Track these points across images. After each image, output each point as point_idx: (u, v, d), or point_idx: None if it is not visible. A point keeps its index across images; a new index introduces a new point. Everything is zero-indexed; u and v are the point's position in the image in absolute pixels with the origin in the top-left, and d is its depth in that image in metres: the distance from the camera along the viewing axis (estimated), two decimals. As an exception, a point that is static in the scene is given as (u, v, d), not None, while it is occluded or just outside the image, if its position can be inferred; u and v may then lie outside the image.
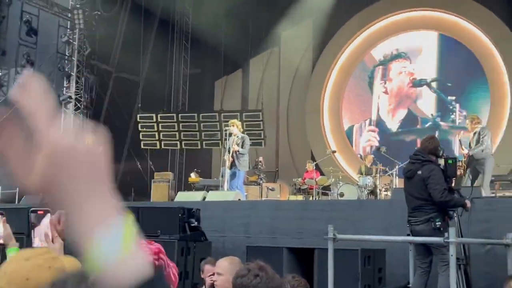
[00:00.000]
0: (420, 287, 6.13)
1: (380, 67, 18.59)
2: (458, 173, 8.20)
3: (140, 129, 17.77)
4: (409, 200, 6.26)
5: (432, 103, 17.67)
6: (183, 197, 11.11)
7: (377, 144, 16.13)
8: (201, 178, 15.02)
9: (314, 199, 12.94)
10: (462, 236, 6.15)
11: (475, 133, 9.58)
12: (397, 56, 18.37)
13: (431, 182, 6.00)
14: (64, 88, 16.86)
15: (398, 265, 6.80)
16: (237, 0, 16.39)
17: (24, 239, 4.31)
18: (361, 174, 13.51)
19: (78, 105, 16.88)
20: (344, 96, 19.02)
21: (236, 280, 2.63)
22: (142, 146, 17.90)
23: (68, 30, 16.89)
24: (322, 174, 14.64)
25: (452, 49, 17.45)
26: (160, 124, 17.78)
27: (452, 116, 17.24)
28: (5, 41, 15.04)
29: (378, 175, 13.02)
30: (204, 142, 17.85)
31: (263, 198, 13.12)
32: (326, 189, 13.84)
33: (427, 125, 17.51)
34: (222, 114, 17.42)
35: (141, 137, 17.79)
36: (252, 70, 19.98)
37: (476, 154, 9.38)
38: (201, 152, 18.52)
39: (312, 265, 6.36)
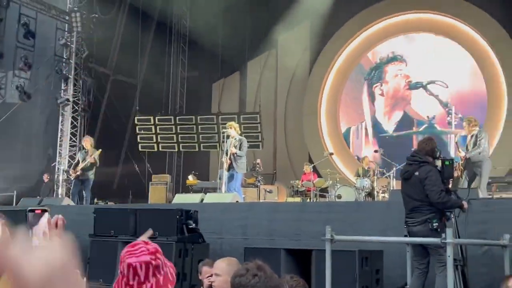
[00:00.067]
0: (417, 288, 6.15)
1: (376, 70, 18.65)
2: (455, 174, 8.23)
3: (137, 131, 17.78)
4: (406, 202, 6.28)
5: (428, 105, 17.71)
6: (180, 199, 11.11)
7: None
8: (198, 181, 15.03)
9: (311, 201, 12.95)
10: (459, 237, 6.17)
11: (472, 136, 9.60)
12: (393, 58, 18.43)
13: (428, 183, 6.02)
14: (62, 91, 16.87)
15: (395, 266, 6.81)
16: (235, 2, 16.43)
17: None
18: (359, 176, 13.53)
19: (76, 107, 16.88)
20: (341, 98, 19.05)
21: (234, 279, 2.64)
22: (140, 149, 17.91)
23: (66, 33, 16.91)
24: (319, 176, 14.65)
25: (448, 51, 17.50)
26: (157, 127, 17.80)
27: (448, 118, 17.28)
28: (2, 43, 15.05)
29: (375, 177, 13.04)
30: (201, 145, 17.87)
31: (261, 200, 13.13)
32: (323, 191, 13.86)
33: (422, 127, 17.56)
34: (220, 117, 17.46)
35: (138, 140, 17.80)
36: (249, 72, 20.00)
37: (473, 157, 9.40)
38: (198, 155, 18.54)
39: (309, 266, 6.37)
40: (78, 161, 12.35)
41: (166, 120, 18.01)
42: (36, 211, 2.16)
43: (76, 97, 16.89)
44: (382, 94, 18.50)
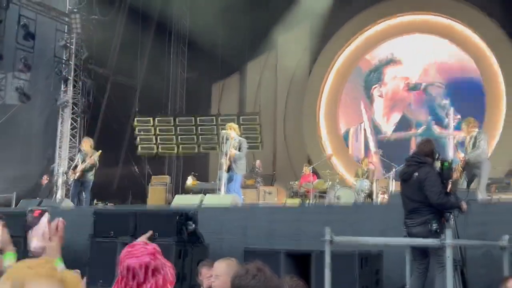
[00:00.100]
0: (417, 289, 6.15)
1: (375, 72, 18.67)
2: (454, 176, 8.23)
3: (137, 133, 17.78)
4: (405, 203, 6.29)
5: (426, 107, 17.73)
6: (180, 200, 11.11)
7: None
8: (198, 182, 15.03)
9: (311, 202, 12.95)
10: (458, 238, 6.17)
11: (471, 137, 9.60)
12: (391, 60, 18.45)
13: (428, 184, 6.03)
14: (62, 92, 16.87)
15: (395, 267, 6.82)
16: (234, 3, 16.43)
17: (22, 242, 4.32)
18: (358, 177, 13.53)
19: (76, 109, 16.88)
20: (341, 99, 19.06)
21: (234, 280, 2.65)
22: (139, 150, 17.91)
23: (66, 34, 16.91)
24: (319, 177, 14.65)
25: (447, 53, 17.52)
26: (157, 128, 17.80)
27: (446, 120, 17.30)
28: (2, 45, 15.05)
29: (375, 178, 13.04)
30: (201, 146, 17.87)
31: (260, 202, 13.13)
32: (323, 192, 13.85)
33: (421, 129, 17.58)
34: (220, 118, 17.46)
35: (138, 142, 17.80)
36: (249, 73, 20.01)
37: (472, 158, 9.40)
38: (198, 156, 18.54)
39: (309, 267, 6.38)
40: (78, 163, 12.35)
41: (165, 121, 18.02)
42: (35, 212, 2.17)
43: (75, 98, 16.89)
44: (381, 96, 18.51)
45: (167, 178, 16.43)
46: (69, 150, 16.58)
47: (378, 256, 6.66)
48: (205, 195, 11.00)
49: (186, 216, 7.24)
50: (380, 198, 12.64)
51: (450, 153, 16.03)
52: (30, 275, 1.50)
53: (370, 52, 18.82)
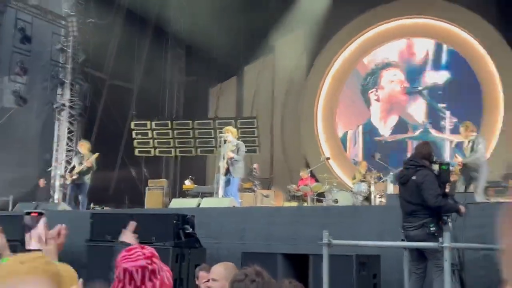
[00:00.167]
0: (415, 293, 6.14)
1: (372, 75, 18.71)
2: (452, 178, 8.23)
3: (134, 136, 17.75)
4: (403, 206, 6.29)
5: (423, 110, 17.76)
6: (177, 204, 11.09)
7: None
8: (195, 185, 15.00)
9: (308, 205, 12.93)
10: (456, 241, 6.16)
11: (469, 141, 9.61)
12: (388, 64, 18.48)
13: (425, 187, 6.03)
14: (58, 96, 16.84)
15: (393, 270, 6.80)
16: (232, 8, 16.44)
17: (18, 246, 4.30)
18: (355, 179, 13.52)
19: (72, 112, 16.85)
20: (338, 102, 19.07)
21: (233, 284, 2.63)
22: (136, 153, 17.87)
23: (62, 37, 16.89)
24: (316, 180, 14.64)
25: (444, 56, 17.56)
26: (154, 132, 17.77)
27: (442, 123, 17.33)
28: (-2, 48, 15.04)
29: (372, 181, 13.03)
30: (198, 149, 17.85)
31: (258, 205, 13.11)
32: (320, 195, 13.84)
33: (417, 132, 17.61)
34: (217, 121, 17.44)
35: (135, 145, 17.77)
36: (246, 77, 20.01)
37: (470, 162, 9.41)
38: (195, 159, 18.52)
39: (307, 271, 6.36)
40: (74, 166, 12.32)
41: (163, 124, 17.99)
42: (32, 214, 2.15)
43: (72, 102, 16.86)
44: (378, 100, 18.54)
45: (164, 182, 16.39)
46: (66, 153, 16.55)
47: (376, 260, 6.64)
48: (202, 198, 10.98)
49: (183, 220, 7.21)
50: (378, 202, 12.63)
51: (447, 156, 16.07)
52: (23, 270, 1.45)
53: (367, 55, 18.84)
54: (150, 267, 2.11)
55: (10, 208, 13.03)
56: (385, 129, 18.27)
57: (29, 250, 2.25)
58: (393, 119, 18.21)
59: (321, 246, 5.70)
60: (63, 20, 16.73)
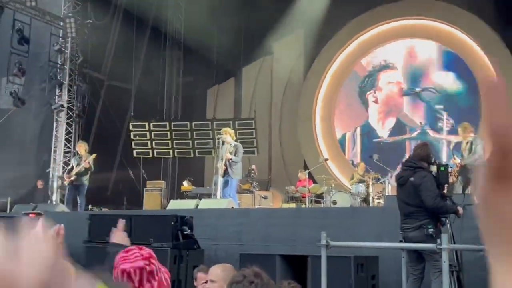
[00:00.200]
0: (413, 294, 6.13)
1: (370, 77, 18.72)
2: (450, 180, 8.24)
3: (132, 137, 17.74)
4: (401, 207, 6.29)
5: (421, 112, 17.79)
6: (175, 205, 11.08)
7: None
8: (193, 187, 15.00)
9: (307, 207, 12.93)
10: (454, 243, 6.17)
11: (467, 142, 9.61)
12: (386, 66, 18.49)
13: (423, 188, 6.03)
14: (56, 97, 16.82)
15: (391, 272, 6.81)
16: (230, 8, 16.44)
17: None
18: (353, 181, 13.52)
19: (70, 113, 16.84)
20: (336, 104, 19.07)
21: (231, 286, 2.63)
22: (134, 155, 17.86)
23: (60, 38, 16.87)
24: (315, 182, 14.64)
25: (441, 57, 17.57)
26: (152, 133, 17.76)
27: (440, 124, 17.35)
28: (-4, 49, 15.02)
29: (371, 182, 13.03)
30: (196, 151, 17.84)
31: (256, 206, 13.11)
32: (319, 197, 13.84)
33: (415, 133, 17.63)
34: (215, 123, 17.43)
35: (133, 146, 17.76)
36: (244, 78, 20.00)
37: (469, 163, 9.41)
38: (193, 161, 18.51)
39: (305, 272, 6.36)
40: (72, 167, 12.31)
41: (161, 126, 17.98)
42: (30, 215, 2.15)
43: (70, 103, 16.85)
44: (375, 101, 18.55)
45: (162, 183, 16.39)
46: (64, 154, 16.53)
47: (374, 261, 6.65)
48: (200, 199, 10.98)
49: (181, 221, 7.21)
50: (376, 203, 12.63)
51: (444, 157, 16.08)
52: None
53: (364, 57, 18.85)
54: (148, 268, 2.11)
55: (8, 210, 13.02)
56: (383, 131, 18.28)
57: None
58: (391, 121, 18.22)
59: (320, 247, 5.70)
60: (61, 21, 16.72)
